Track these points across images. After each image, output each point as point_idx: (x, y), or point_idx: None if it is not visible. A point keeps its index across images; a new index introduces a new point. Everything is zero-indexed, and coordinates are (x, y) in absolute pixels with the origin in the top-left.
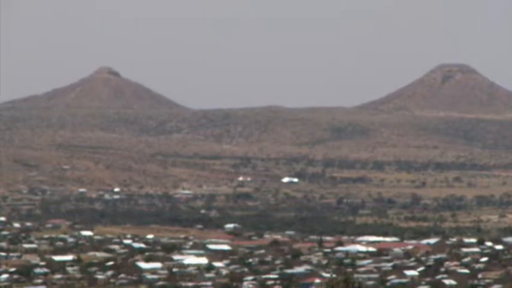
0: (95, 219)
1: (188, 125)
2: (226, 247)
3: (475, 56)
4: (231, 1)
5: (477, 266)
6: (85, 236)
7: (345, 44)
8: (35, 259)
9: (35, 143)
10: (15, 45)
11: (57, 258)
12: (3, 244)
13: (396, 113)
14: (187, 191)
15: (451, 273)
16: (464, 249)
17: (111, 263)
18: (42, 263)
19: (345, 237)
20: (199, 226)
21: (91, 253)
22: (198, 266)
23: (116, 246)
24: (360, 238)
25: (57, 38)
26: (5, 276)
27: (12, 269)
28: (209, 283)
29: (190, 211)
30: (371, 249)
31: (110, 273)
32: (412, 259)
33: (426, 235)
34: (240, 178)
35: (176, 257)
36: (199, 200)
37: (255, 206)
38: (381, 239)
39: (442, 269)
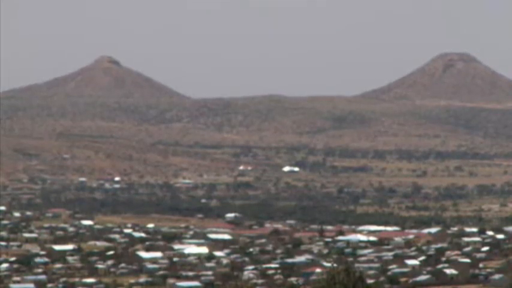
0: (95, 208)
1: (189, 114)
2: (226, 236)
3: (476, 44)
4: None
5: (478, 255)
6: (85, 225)
7: (346, 33)
8: (35, 248)
9: (35, 132)
10: (16, 35)
11: (57, 247)
12: (4, 233)
13: (397, 102)
14: (187, 180)
15: (452, 263)
16: (466, 239)
17: (111, 252)
18: (43, 253)
19: (345, 227)
20: (200, 215)
21: (91, 242)
22: (199, 256)
23: (116, 236)
24: (361, 227)
25: (57, 27)
26: (5, 265)
27: (13, 258)
28: (210, 272)
29: (190, 200)
30: (372, 238)
31: (110, 262)
32: (413, 248)
33: (427, 224)
34: (241, 167)
35: (177, 246)
36: (200, 189)
37: (255, 195)
38: (381, 228)
39: (443, 259)
